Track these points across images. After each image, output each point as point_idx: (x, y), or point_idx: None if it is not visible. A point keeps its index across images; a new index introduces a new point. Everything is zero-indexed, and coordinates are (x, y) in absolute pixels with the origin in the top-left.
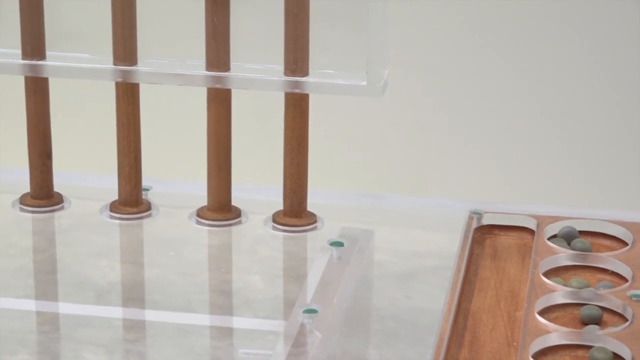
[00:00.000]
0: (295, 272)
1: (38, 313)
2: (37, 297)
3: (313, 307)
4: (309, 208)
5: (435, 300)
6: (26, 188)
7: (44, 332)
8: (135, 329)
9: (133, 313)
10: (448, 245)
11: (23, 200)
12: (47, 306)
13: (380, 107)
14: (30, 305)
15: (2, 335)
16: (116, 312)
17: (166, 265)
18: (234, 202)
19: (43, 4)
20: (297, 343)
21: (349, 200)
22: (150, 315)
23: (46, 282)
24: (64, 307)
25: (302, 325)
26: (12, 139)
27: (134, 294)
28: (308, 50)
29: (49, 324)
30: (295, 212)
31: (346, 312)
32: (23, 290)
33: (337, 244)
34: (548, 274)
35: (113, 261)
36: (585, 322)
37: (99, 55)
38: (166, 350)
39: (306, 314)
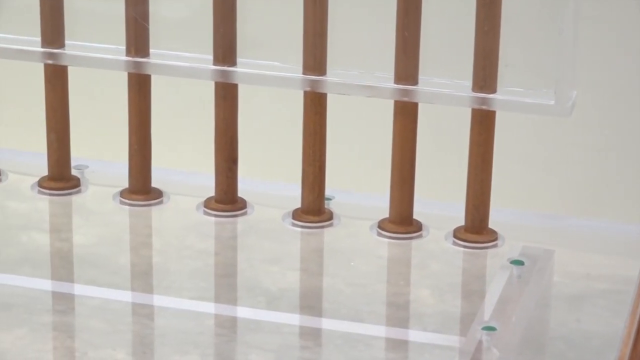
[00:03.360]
0: (469, 288)
1: (210, 315)
2: (210, 299)
3: (492, 324)
4: (490, 225)
5: (606, 324)
6: (211, 192)
7: (215, 334)
8: (303, 336)
9: (302, 320)
10: (623, 269)
11: (207, 204)
12: (218, 309)
13: (563, 126)
14: (203, 307)
15: (175, 335)
16: (285, 318)
17: (338, 275)
18: (415, 216)
19: (236, 9)
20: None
21: (529, 219)
22: (319, 323)
23: (219, 286)
24: (235, 311)
25: (480, 342)
26: (200, 144)
27: (303, 301)
28: (497, 67)
29: (220, 326)
30: (476, 228)
31: (523, 332)
32: (196, 292)
33: (518, 263)
34: None
35: (285, 268)
36: None
37: (289, 64)
38: (334, 359)
39: (485, 331)
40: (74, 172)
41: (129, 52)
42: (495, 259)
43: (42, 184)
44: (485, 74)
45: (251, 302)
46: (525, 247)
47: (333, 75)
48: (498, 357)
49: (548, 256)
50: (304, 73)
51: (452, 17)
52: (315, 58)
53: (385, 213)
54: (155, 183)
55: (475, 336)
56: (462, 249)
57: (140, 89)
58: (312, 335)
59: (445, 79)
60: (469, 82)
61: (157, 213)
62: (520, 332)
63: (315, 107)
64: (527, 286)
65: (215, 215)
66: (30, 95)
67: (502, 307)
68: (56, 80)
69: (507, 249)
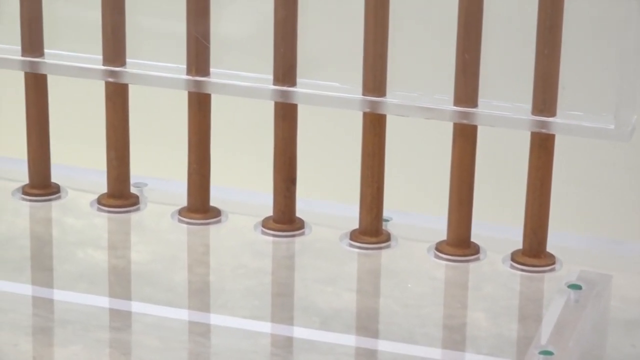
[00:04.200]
0: (525, 312)
1: (263, 334)
2: (264, 318)
3: (549, 348)
4: (548, 249)
5: None
6: (269, 211)
7: (268, 354)
8: (357, 357)
9: (355, 341)
10: None
11: (265, 224)
12: (272, 328)
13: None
14: (257, 326)
15: (229, 354)
16: (339, 339)
17: (393, 296)
18: (473, 238)
19: (297, 29)
20: None
21: (587, 243)
22: (372, 344)
23: (273, 305)
24: (289, 330)
25: None
26: (259, 164)
27: (357, 322)
28: (557, 90)
29: (274, 345)
30: (534, 252)
31: (579, 357)
32: (251, 311)
33: (575, 287)
34: None
35: (341, 289)
36: None
37: (349, 84)
38: None
39: (542, 356)
40: (133, 189)
41: (189, 71)
42: (553, 283)
43: (101, 201)
44: (545, 98)
45: (305, 322)
46: (583, 271)
47: (393, 96)
48: None
49: (606, 281)
50: (363, 94)
51: (512, 40)
52: (375, 79)
53: (442, 235)
54: (213, 202)
55: None
56: (519, 272)
57: (200, 107)
58: (365, 357)
59: (505, 102)
60: (528, 105)
61: (214, 232)
62: (577, 357)
63: (375, 128)
64: (584, 311)
65: (273, 235)
66: (90, 111)
67: (559, 331)
68: (117, 98)
69: (564, 273)
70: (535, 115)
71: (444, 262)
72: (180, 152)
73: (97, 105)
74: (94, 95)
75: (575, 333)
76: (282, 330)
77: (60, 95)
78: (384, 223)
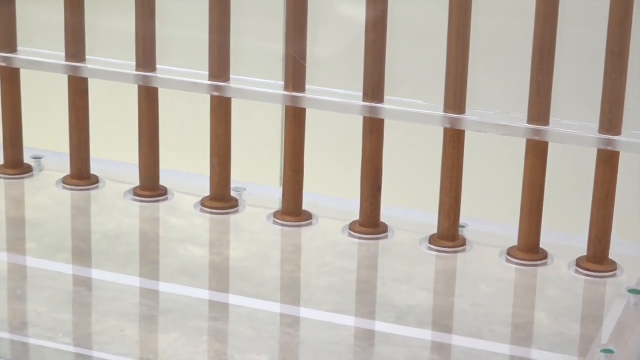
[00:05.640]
0: (585, 313)
1: (344, 327)
2: (345, 312)
3: (610, 347)
4: (610, 256)
5: None
6: (356, 216)
7: (348, 345)
8: (427, 349)
9: (428, 335)
10: None
11: (352, 227)
12: (352, 321)
13: None
14: (339, 319)
15: (313, 344)
16: (413, 333)
17: (463, 295)
18: (542, 245)
19: (385, 50)
20: None
21: None
22: (442, 338)
23: (355, 301)
24: (367, 324)
25: None
26: (348, 172)
27: (428, 317)
28: (622, 111)
29: (354, 337)
30: (598, 259)
31: (638, 356)
32: (334, 305)
33: (635, 292)
34: None
35: (415, 287)
36: None
37: (431, 102)
38: None
39: (604, 354)
40: (233, 193)
41: (287, 88)
42: (614, 287)
43: (204, 203)
44: (612, 117)
45: (382, 317)
46: None
47: (471, 114)
48: None
49: None
50: (444, 111)
51: (582, 64)
52: (456, 97)
53: (514, 241)
54: (306, 206)
55: (594, 357)
56: (583, 277)
57: (296, 121)
58: (436, 350)
59: (574, 121)
60: (596, 124)
61: (305, 233)
62: (636, 356)
63: (454, 142)
64: None
65: (359, 238)
66: (194, 121)
67: (620, 332)
68: (220, 111)
69: (625, 278)
70: (602, 133)
71: (514, 266)
72: (275, 160)
73: (202, 116)
74: (200, 107)
75: (635, 334)
76: (362, 323)
77: (168, 108)
78: (460, 229)
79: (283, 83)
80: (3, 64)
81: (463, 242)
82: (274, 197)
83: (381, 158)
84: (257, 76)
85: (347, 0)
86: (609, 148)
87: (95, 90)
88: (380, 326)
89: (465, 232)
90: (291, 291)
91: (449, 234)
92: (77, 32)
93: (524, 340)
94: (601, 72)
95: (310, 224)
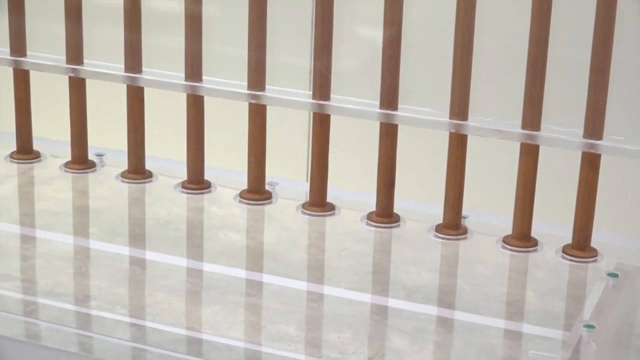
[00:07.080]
0: (569, 293)
1: (361, 302)
2: (361, 290)
3: (591, 323)
4: (592, 244)
5: None
6: (372, 207)
7: (364, 318)
8: (431, 322)
9: (431, 310)
10: None
11: (369, 217)
12: (368, 298)
13: None
14: (356, 296)
15: (334, 317)
16: (420, 308)
17: (463, 276)
18: (533, 234)
19: (400, 65)
20: (576, 350)
21: (625, 240)
22: (446, 313)
23: (367, 281)
24: (380, 300)
25: (581, 337)
26: (366, 170)
27: (433, 295)
28: (604, 118)
29: (369, 311)
30: (581, 246)
31: (616, 331)
32: (351, 284)
33: (613, 275)
34: None
35: (422, 269)
36: None
37: (438, 109)
38: (458, 343)
39: (586, 328)
40: (267, 187)
41: (314, 96)
42: (595, 272)
43: (242, 195)
44: (594, 124)
45: (394, 294)
46: (620, 263)
47: (473, 120)
48: (595, 350)
49: (638, 271)
50: (450, 118)
51: (569, 79)
52: (460, 106)
53: (508, 230)
54: (329, 199)
55: (577, 332)
56: (568, 262)
57: (322, 125)
58: (439, 323)
59: (562, 127)
60: (580, 130)
61: (328, 222)
62: (614, 331)
63: (458, 145)
64: (620, 294)
65: (375, 226)
66: (234, 125)
67: (600, 310)
68: (257, 116)
69: (604, 264)
70: (586, 138)
71: (509, 252)
72: (303, 159)
73: (241, 121)
74: (239, 112)
75: (613, 312)
76: (376, 299)
77: (213, 114)
78: (462, 220)
79: (311, 93)
80: (72, 74)
81: (464, 231)
82: (302, 190)
83: (395, 158)
84: (288, 87)
85: (367, 22)
86: (592, 151)
87: (151, 97)
88: (392, 302)
89: (466, 222)
90: (315, 271)
91: (452, 224)
92: (135, 48)
93: (515, 316)
94: (586, 85)
95: (333, 214)
